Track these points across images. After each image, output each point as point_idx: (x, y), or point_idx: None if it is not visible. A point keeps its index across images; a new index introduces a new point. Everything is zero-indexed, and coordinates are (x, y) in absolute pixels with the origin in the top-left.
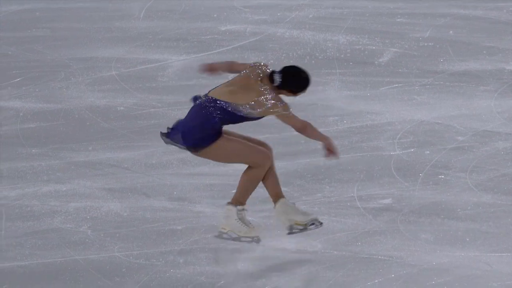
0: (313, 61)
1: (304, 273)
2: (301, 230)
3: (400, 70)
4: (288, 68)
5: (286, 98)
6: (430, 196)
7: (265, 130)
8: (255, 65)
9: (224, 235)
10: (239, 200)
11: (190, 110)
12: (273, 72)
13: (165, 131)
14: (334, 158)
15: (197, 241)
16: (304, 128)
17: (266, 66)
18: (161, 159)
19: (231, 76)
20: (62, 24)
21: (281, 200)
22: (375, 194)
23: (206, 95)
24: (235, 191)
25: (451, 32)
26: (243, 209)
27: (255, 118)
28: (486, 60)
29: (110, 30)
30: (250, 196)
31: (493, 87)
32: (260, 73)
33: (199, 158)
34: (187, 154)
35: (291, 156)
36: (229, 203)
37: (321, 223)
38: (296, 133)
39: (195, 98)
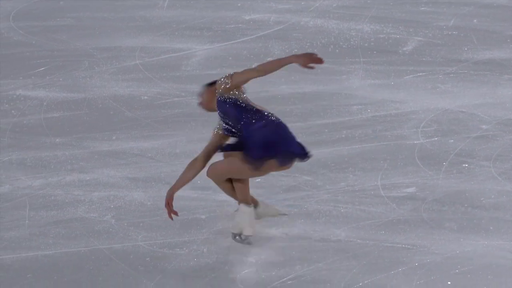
0: (337, 50)
1: (328, 262)
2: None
3: (424, 59)
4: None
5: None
6: (453, 184)
7: (290, 119)
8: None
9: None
10: (245, 200)
11: (275, 128)
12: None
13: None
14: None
15: (220, 231)
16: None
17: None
18: (184, 148)
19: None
20: (86, 14)
21: (245, 206)
22: (399, 183)
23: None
24: (258, 179)
25: (475, 20)
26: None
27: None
28: (510, 49)
29: (134, 19)
30: (274, 186)
31: None
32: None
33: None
34: None
35: (314, 145)
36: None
37: (249, 243)
38: (320, 121)
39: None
